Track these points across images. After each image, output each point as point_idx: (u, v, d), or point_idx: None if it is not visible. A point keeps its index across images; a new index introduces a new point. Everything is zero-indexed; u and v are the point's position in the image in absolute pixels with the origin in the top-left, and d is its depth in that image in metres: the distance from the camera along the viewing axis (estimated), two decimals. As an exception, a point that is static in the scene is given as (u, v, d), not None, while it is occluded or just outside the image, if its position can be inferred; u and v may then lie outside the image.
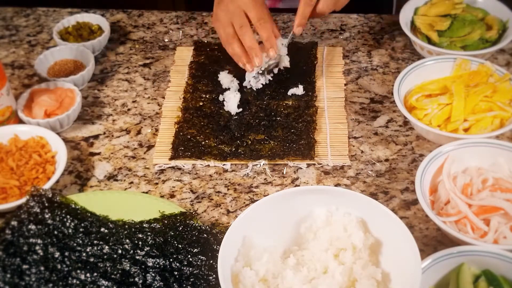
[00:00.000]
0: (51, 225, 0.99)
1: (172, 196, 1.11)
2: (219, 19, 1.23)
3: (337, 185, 1.12)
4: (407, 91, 1.22)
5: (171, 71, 1.36)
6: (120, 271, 0.95)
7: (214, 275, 0.94)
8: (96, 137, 1.23)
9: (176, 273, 0.94)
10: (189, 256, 0.96)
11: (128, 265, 0.95)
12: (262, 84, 1.27)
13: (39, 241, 0.97)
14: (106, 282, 0.93)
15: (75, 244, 0.97)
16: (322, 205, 0.96)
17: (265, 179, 1.13)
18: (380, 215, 0.93)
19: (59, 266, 0.95)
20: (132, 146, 1.21)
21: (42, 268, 0.94)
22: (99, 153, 1.20)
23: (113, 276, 0.94)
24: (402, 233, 0.90)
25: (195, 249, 0.97)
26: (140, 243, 0.98)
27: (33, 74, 1.37)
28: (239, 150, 1.17)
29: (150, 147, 1.21)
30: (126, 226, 1.00)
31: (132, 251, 0.97)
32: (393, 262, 0.91)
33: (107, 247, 0.97)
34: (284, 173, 1.14)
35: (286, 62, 1.27)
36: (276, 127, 1.20)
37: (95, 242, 0.98)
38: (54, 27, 1.42)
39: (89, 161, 1.18)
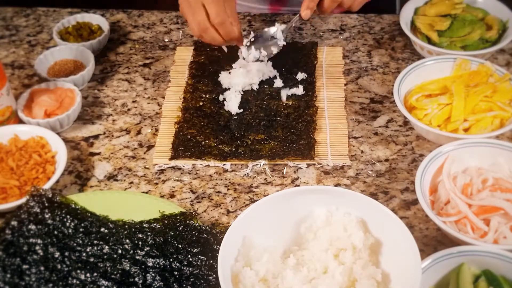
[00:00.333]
0: (51, 225, 0.99)
1: (172, 196, 1.11)
2: (184, 12, 1.20)
3: (337, 185, 1.12)
4: (407, 91, 1.22)
5: (171, 71, 1.36)
6: (120, 271, 0.95)
7: (214, 275, 0.94)
8: (96, 137, 1.23)
9: (176, 273, 0.94)
10: (189, 256, 0.96)
11: (128, 265, 0.95)
12: (256, 58, 1.26)
13: (39, 241, 0.97)
14: (106, 282, 0.93)
15: (75, 244, 0.97)
16: (322, 205, 0.96)
17: (265, 179, 1.13)
18: (380, 215, 0.93)
19: (59, 266, 0.95)
20: (132, 146, 1.21)
21: (42, 268, 0.94)
22: (99, 153, 1.20)
23: (113, 276, 0.94)
24: (402, 233, 0.90)
25: (195, 249, 0.97)
26: (140, 243, 0.98)
27: (33, 74, 1.37)
28: (239, 150, 1.17)
29: (150, 147, 1.21)
30: (126, 226, 1.00)
31: (132, 251, 0.97)
32: (393, 262, 0.91)
33: (107, 247, 0.97)
34: (284, 173, 1.14)
35: (280, 45, 1.25)
36: (276, 127, 1.20)
37: (95, 242, 0.98)
38: (54, 27, 1.42)
39: (89, 161, 1.18)
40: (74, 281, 0.93)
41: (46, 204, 1.01)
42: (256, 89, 1.28)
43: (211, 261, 0.95)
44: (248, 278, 0.89)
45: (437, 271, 0.91)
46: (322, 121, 1.22)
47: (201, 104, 1.26)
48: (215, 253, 0.91)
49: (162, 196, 1.11)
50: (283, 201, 0.96)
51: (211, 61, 1.36)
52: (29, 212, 1.00)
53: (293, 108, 1.24)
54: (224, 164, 1.15)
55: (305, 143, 1.17)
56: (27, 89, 1.28)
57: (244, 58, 1.26)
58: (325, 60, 1.36)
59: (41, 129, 1.18)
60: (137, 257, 0.96)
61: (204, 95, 1.28)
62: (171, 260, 0.96)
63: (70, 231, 0.99)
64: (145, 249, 0.97)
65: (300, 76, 1.31)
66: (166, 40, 1.45)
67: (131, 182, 1.14)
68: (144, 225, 1.00)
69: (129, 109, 1.29)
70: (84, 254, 0.96)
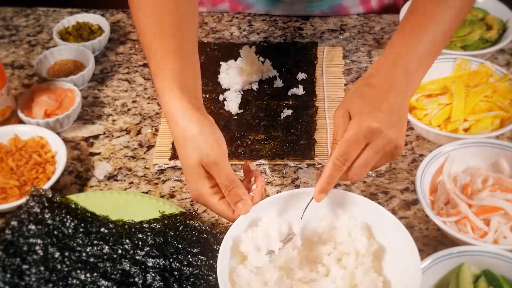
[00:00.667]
0: (51, 225, 0.99)
1: (172, 196, 1.11)
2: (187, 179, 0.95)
3: (337, 185, 1.12)
4: (407, 91, 1.22)
5: (171, 71, 1.36)
6: (120, 271, 0.95)
7: (214, 275, 0.94)
8: (96, 137, 1.23)
9: (176, 273, 0.94)
10: (189, 256, 0.96)
11: (128, 265, 0.95)
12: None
13: (39, 241, 0.97)
14: (106, 282, 0.93)
15: (75, 244, 0.97)
16: (327, 208, 0.96)
17: (265, 179, 1.13)
18: (384, 220, 0.92)
19: (59, 266, 0.95)
20: (132, 146, 1.21)
21: (42, 268, 0.94)
22: (99, 153, 1.20)
23: (113, 276, 0.94)
24: (402, 235, 0.89)
25: (195, 249, 0.97)
26: (140, 243, 0.98)
27: (33, 74, 1.37)
28: (239, 150, 1.17)
29: (150, 147, 1.20)
30: (126, 226, 1.00)
31: (132, 251, 0.97)
32: (394, 267, 0.91)
33: (107, 247, 0.97)
34: (284, 173, 1.14)
35: (297, 241, 0.95)
36: (276, 127, 1.20)
37: (95, 242, 0.98)
38: (54, 27, 1.42)
39: (89, 161, 1.18)
40: (74, 281, 0.93)
41: (46, 204, 1.01)
42: (256, 89, 1.28)
43: (211, 261, 0.95)
44: (248, 278, 0.88)
45: (437, 271, 0.91)
46: (322, 121, 1.22)
47: (201, 104, 1.26)
48: (215, 253, 0.91)
49: (162, 196, 1.11)
50: (285, 202, 0.95)
51: (211, 61, 1.36)
52: (29, 212, 1.00)
53: (293, 108, 1.24)
54: (224, 164, 1.15)
55: (305, 143, 1.17)
56: (27, 89, 1.28)
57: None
58: (325, 60, 1.36)
59: (41, 129, 1.18)
60: (137, 257, 0.96)
61: (204, 95, 1.27)
62: (171, 260, 0.96)
63: (70, 231, 0.99)
64: (145, 249, 0.97)
65: (300, 76, 1.31)
66: (166, 40, 1.45)
67: (131, 182, 1.14)
68: (144, 225, 1.00)
69: (129, 109, 1.29)
70: (84, 254, 0.96)
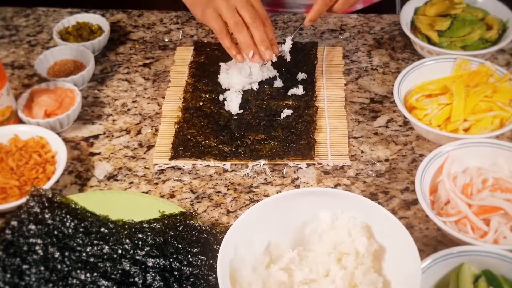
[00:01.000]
0: (51, 225, 0.99)
1: (172, 196, 1.11)
2: (209, 14, 1.20)
3: (337, 185, 1.12)
4: (407, 91, 1.22)
5: (171, 71, 1.36)
6: (120, 271, 0.95)
7: (214, 275, 0.94)
8: (96, 137, 1.23)
9: (176, 273, 0.94)
10: (189, 256, 0.96)
11: (128, 265, 0.95)
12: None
13: (39, 241, 0.97)
14: (106, 282, 0.93)
15: (75, 244, 0.97)
16: (327, 208, 0.96)
17: (265, 179, 1.13)
18: (383, 220, 0.92)
19: (59, 266, 0.95)
20: (132, 146, 1.21)
21: (42, 268, 0.94)
22: (99, 153, 1.20)
23: (113, 276, 0.94)
24: (402, 235, 0.89)
25: (195, 249, 0.97)
26: (140, 243, 0.98)
27: (33, 74, 1.37)
28: (239, 150, 1.17)
29: (150, 147, 1.21)
30: (126, 226, 1.00)
31: (132, 251, 0.97)
32: (394, 268, 0.91)
33: (107, 247, 0.97)
34: (284, 173, 1.14)
35: (287, 57, 1.28)
36: (276, 127, 1.20)
37: (95, 242, 0.98)
38: (54, 27, 1.42)
39: (89, 161, 1.18)
40: (74, 281, 0.93)
41: (46, 204, 1.01)
42: (256, 89, 1.28)
43: (211, 261, 0.95)
44: (248, 277, 0.88)
45: (437, 271, 0.91)
46: (322, 121, 1.22)
47: (201, 104, 1.26)
48: (215, 253, 0.91)
49: (162, 196, 1.11)
50: (285, 203, 0.95)
51: (211, 61, 1.36)
52: (29, 212, 1.00)
53: (293, 108, 1.24)
54: (224, 164, 1.15)
55: (305, 143, 1.17)
56: (27, 89, 1.28)
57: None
58: (325, 60, 1.36)
59: (41, 129, 1.18)
60: (137, 257, 0.96)
61: (204, 95, 1.28)
62: (171, 260, 0.96)
63: (70, 231, 0.99)
64: (145, 249, 0.97)
65: (300, 76, 1.31)
66: (166, 40, 1.45)
67: (131, 182, 1.14)
68: (144, 225, 1.00)
69: (129, 109, 1.29)
70: (84, 254, 0.96)
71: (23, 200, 1.03)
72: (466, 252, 0.91)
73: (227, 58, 1.32)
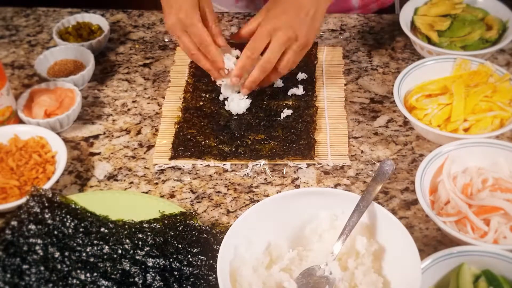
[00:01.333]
0: (51, 225, 0.99)
1: (172, 196, 1.11)
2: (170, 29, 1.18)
3: (337, 185, 1.12)
4: (407, 91, 1.22)
5: (171, 71, 1.36)
6: (120, 271, 0.95)
7: (214, 275, 0.94)
8: (96, 137, 1.23)
9: (176, 273, 0.94)
10: (189, 256, 0.96)
11: (128, 265, 0.95)
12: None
13: (39, 241, 0.97)
14: (106, 282, 0.93)
15: (75, 244, 0.97)
16: (327, 208, 0.96)
17: (265, 179, 1.13)
18: (383, 220, 0.92)
19: (59, 266, 0.95)
20: (132, 146, 1.21)
21: (42, 268, 0.94)
22: (99, 153, 1.20)
23: (113, 276, 0.94)
24: (402, 235, 0.89)
25: (195, 249, 0.97)
26: (140, 243, 0.98)
27: (33, 74, 1.37)
28: (239, 150, 1.17)
29: (150, 147, 1.21)
30: (126, 226, 1.00)
31: (132, 251, 0.97)
32: (394, 268, 0.91)
33: (107, 247, 0.97)
34: (284, 173, 1.14)
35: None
36: (276, 127, 1.20)
37: (95, 242, 0.98)
38: (54, 27, 1.42)
39: (89, 161, 1.18)
40: (74, 281, 0.93)
41: (46, 204, 1.01)
42: (256, 89, 1.28)
43: (211, 261, 0.95)
44: (247, 278, 0.88)
45: (437, 271, 0.91)
46: (322, 121, 1.22)
47: (201, 104, 1.26)
48: (215, 253, 0.91)
49: (162, 196, 1.11)
50: (285, 203, 0.95)
51: (211, 61, 1.36)
52: (29, 212, 1.00)
53: (293, 108, 1.24)
54: (224, 164, 1.15)
55: (305, 143, 1.17)
56: (27, 89, 1.28)
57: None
58: (325, 60, 1.36)
59: (41, 129, 1.18)
60: (137, 257, 0.96)
61: (204, 95, 1.28)
62: (171, 260, 0.96)
63: (70, 231, 0.99)
64: (145, 249, 0.97)
65: (300, 76, 1.31)
66: (166, 40, 1.45)
67: (131, 182, 1.14)
68: (144, 225, 1.00)
69: (129, 109, 1.29)
70: (84, 254, 0.96)
71: (23, 200, 1.03)
72: (466, 252, 0.91)
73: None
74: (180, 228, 0.99)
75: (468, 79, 1.20)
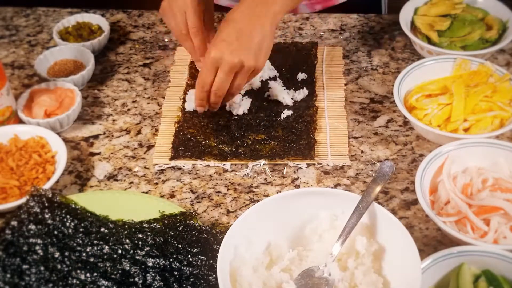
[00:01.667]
0: (51, 225, 0.99)
1: (172, 196, 1.11)
2: (166, 14, 1.21)
3: (337, 185, 1.12)
4: (407, 91, 1.22)
5: (171, 71, 1.36)
6: (120, 271, 0.95)
7: (214, 275, 0.94)
8: (96, 137, 1.23)
9: (176, 273, 0.94)
10: (189, 256, 0.96)
11: (128, 265, 0.95)
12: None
13: (39, 241, 0.97)
14: (106, 282, 0.93)
15: (75, 244, 0.97)
16: (327, 208, 0.96)
17: (265, 179, 1.13)
18: (384, 220, 0.92)
19: (59, 266, 0.95)
20: (132, 146, 1.21)
21: (42, 268, 0.94)
22: (99, 153, 1.20)
23: (113, 276, 0.94)
24: (402, 235, 0.89)
25: (195, 249, 0.97)
26: (140, 243, 0.98)
27: (33, 74, 1.37)
28: (239, 150, 1.17)
29: (150, 147, 1.21)
30: (126, 226, 1.00)
31: (132, 251, 0.97)
32: (394, 268, 0.91)
33: (107, 247, 0.97)
34: (284, 173, 1.14)
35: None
36: (276, 127, 1.20)
37: (95, 242, 0.98)
38: (54, 27, 1.42)
39: (89, 161, 1.18)
40: (74, 281, 0.93)
41: (46, 204, 1.01)
42: (256, 89, 1.28)
43: (211, 261, 0.95)
44: (247, 277, 0.88)
45: (437, 271, 0.91)
46: (322, 121, 1.22)
47: (201, 104, 1.26)
48: (215, 253, 0.91)
49: (162, 196, 1.11)
50: (285, 203, 0.95)
51: (211, 61, 1.35)
52: (29, 212, 1.00)
53: (293, 108, 1.24)
54: (224, 164, 1.15)
55: (305, 143, 1.17)
56: (27, 89, 1.28)
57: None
58: (325, 60, 1.36)
59: (41, 129, 1.18)
60: (137, 257, 0.96)
61: (204, 95, 1.28)
62: (171, 260, 0.96)
63: (70, 231, 0.99)
64: (145, 249, 0.97)
65: (300, 76, 1.30)
66: (166, 40, 1.45)
67: (131, 182, 1.14)
68: (144, 225, 1.00)
69: (129, 109, 1.29)
70: (84, 254, 0.96)
71: (23, 200, 1.03)
72: (466, 252, 0.91)
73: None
74: (180, 228, 0.99)
75: (468, 79, 1.20)
